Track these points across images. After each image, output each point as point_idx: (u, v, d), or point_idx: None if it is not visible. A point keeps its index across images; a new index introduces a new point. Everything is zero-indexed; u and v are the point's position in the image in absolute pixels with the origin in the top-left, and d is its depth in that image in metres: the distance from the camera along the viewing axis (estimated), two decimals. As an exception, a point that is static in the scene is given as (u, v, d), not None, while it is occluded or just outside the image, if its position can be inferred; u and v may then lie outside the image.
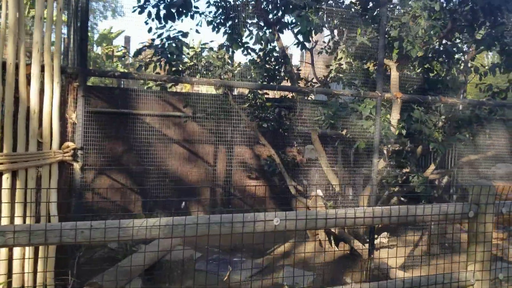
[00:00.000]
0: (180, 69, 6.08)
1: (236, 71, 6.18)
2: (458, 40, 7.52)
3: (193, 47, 6.47)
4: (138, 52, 6.14)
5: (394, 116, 6.07)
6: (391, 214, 2.92)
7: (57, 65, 4.00)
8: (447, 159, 11.34)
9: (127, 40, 18.94)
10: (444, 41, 7.12)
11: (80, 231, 2.33)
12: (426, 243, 8.01)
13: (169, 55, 5.83)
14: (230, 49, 6.98)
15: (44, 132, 3.96)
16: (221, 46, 6.98)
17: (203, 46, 6.50)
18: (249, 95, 6.74)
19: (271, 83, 7.45)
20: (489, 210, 3.21)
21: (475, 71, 7.34)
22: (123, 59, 13.32)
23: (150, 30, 6.25)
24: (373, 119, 5.79)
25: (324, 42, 8.49)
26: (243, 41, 7.28)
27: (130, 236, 2.40)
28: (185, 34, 6.18)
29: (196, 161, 8.89)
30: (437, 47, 7.08)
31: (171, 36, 6.16)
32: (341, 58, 8.41)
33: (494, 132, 6.98)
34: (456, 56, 7.44)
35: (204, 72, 5.91)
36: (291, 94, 8.23)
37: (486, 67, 7.44)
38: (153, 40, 6.09)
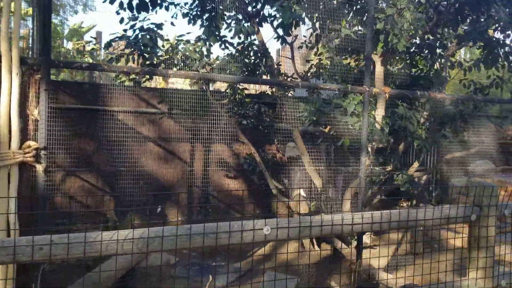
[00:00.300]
0: (154, 62, 5.69)
1: (214, 65, 5.83)
2: (440, 35, 7.38)
3: (168, 40, 6.07)
4: (109, 44, 5.72)
5: (379, 112, 5.84)
6: (391, 219, 2.65)
7: (15, 55, 3.58)
8: (428, 156, 11.29)
9: (99, 35, 18.29)
10: (427, 36, 6.95)
11: (39, 247, 1.97)
12: (409, 241, 7.86)
13: (142, 47, 5.44)
14: (207, 43, 6.63)
15: (1, 130, 3.53)
16: (198, 39, 6.62)
17: (179, 38, 6.12)
18: (228, 90, 6.40)
19: (251, 78, 7.15)
20: (491, 212, 2.98)
21: (459, 66, 7.20)
22: (94, 54, 12.75)
23: (122, 20, 5.84)
24: (357, 115, 5.55)
25: (304, 36, 8.23)
26: (221, 34, 6.95)
27: (98, 252, 2.05)
28: (159, 26, 5.79)
29: (173, 160, 8.51)
30: (420, 41, 6.90)
31: (145, 27, 5.76)
32: (321, 53, 8.18)
33: (478, 128, 6.85)
34: (438, 51, 7.29)
35: (181, 65, 5.55)
36: (271, 90, 7.94)
37: (469, 63, 7.32)
38: (125, 31, 5.68)
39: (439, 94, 5.73)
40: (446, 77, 7.14)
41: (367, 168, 5.26)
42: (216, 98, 6.19)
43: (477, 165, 11.03)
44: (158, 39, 5.70)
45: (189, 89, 6.29)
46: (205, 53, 5.59)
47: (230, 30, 6.54)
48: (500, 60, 6.66)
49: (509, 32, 6.73)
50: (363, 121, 5.11)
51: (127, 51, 5.64)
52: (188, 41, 6.09)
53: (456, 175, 10.85)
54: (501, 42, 6.55)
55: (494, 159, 9.65)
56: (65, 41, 17.82)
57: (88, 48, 13.34)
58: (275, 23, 7.00)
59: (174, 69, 5.73)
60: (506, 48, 6.59)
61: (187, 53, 5.43)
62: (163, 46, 5.96)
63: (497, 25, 6.58)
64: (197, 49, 5.46)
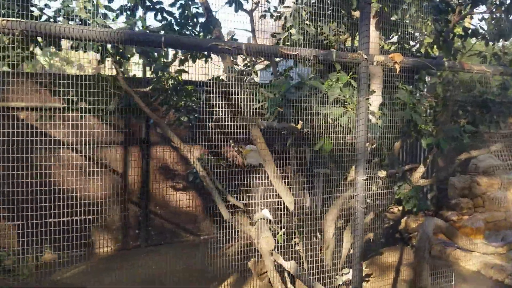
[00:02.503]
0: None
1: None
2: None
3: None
4: None
5: (375, 99, 3.91)
6: None
7: None
8: (417, 154, 9.44)
9: None
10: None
11: None
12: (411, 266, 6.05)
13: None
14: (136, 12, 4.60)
15: None
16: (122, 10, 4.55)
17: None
18: (152, 74, 4.36)
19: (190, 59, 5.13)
20: None
21: (473, 35, 5.32)
22: None
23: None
24: (344, 103, 3.62)
25: (268, 1, 6.28)
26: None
27: None
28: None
29: (98, 170, 6.44)
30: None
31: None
32: (291, 26, 6.22)
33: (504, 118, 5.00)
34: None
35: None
36: (227, 74, 5.93)
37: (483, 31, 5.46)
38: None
39: (477, 66, 3.80)
40: (459, 49, 5.27)
41: (367, 190, 3.30)
42: (132, 85, 4.18)
43: (480, 160, 9.29)
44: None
45: (91, 75, 4.24)
46: (103, 11, 3.53)
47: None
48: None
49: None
50: (358, 112, 3.17)
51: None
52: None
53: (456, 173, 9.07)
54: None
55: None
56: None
57: None
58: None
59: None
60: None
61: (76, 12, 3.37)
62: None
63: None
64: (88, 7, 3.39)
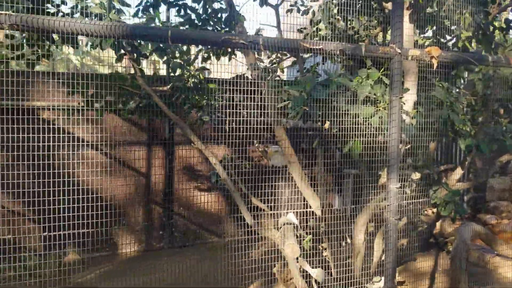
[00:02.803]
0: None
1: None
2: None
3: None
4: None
5: (410, 97, 3.61)
6: None
7: None
8: (452, 153, 8.95)
9: None
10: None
11: None
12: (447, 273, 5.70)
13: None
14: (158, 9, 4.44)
15: None
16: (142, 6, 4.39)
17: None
18: (171, 73, 4.18)
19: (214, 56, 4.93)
20: None
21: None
22: None
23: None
24: (375, 101, 3.34)
25: (295, -6, 6.02)
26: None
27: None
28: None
29: (122, 171, 6.35)
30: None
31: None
32: (319, 20, 5.95)
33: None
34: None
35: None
36: (249, 71, 5.70)
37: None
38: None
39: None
40: (500, 43, 4.88)
41: (399, 199, 3.00)
42: (151, 84, 4.01)
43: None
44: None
45: (109, 73, 4.09)
46: (118, 7, 3.36)
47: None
48: None
49: None
50: (390, 112, 2.89)
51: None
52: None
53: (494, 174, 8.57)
54: None
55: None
56: None
57: None
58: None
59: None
60: None
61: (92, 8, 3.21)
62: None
63: None
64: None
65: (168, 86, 4.12)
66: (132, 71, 3.90)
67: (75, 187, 5.59)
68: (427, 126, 3.90)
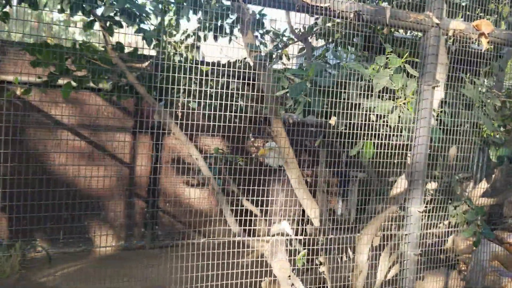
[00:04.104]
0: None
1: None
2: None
3: None
4: None
5: (437, 95, 2.92)
6: None
7: None
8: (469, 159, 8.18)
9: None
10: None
11: None
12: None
13: None
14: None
15: None
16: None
17: None
18: (151, 46, 3.49)
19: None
20: None
21: None
22: None
23: None
24: (394, 95, 2.68)
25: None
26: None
27: None
28: None
29: (103, 159, 5.72)
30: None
31: None
32: None
33: None
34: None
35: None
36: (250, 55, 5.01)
37: None
38: None
39: None
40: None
41: (422, 223, 2.30)
42: (124, 59, 3.35)
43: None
44: None
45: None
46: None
47: None
48: None
49: None
50: (419, 107, 2.21)
51: None
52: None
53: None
54: None
55: None
56: None
57: None
58: None
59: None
60: None
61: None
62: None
63: None
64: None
65: (146, 63, 3.47)
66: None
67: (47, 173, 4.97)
68: (451, 129, 3.22)
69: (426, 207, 2.38)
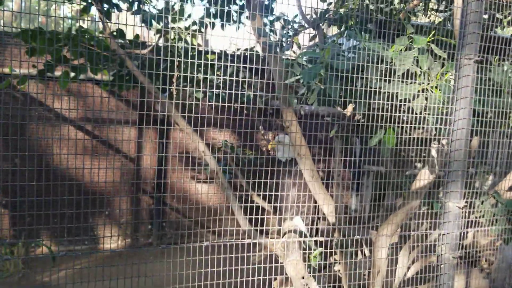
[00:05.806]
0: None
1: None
2: None
3: None
4: None
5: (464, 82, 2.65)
6: None
7: None
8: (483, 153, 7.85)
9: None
10: None
11: None
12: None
13: None
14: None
15: None
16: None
17: None
18: (154, 34, 3.24)
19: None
20: None
21: None
22: None
23: None
24: (419, 79, 2.41)
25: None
26: None
27: None
28: None
29: (107, 153, 5.52)
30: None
31: None
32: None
33: None
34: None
35: None
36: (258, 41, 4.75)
37: None
38: None
39: None
40: None
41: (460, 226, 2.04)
42: (125, 46, 3.12)
43: None
44: None
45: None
46: None
47: None
48: None
49: None
50: (458, 86, 1.94)
51: None
52: None
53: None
54: None
55: None
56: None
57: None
58: None
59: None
60: None
61: None
62: None
63: None
64: None
65: (147, 50, 3.23)
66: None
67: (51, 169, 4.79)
68: (479, 117, 2.94)
69: (466, 202, 2.12)
